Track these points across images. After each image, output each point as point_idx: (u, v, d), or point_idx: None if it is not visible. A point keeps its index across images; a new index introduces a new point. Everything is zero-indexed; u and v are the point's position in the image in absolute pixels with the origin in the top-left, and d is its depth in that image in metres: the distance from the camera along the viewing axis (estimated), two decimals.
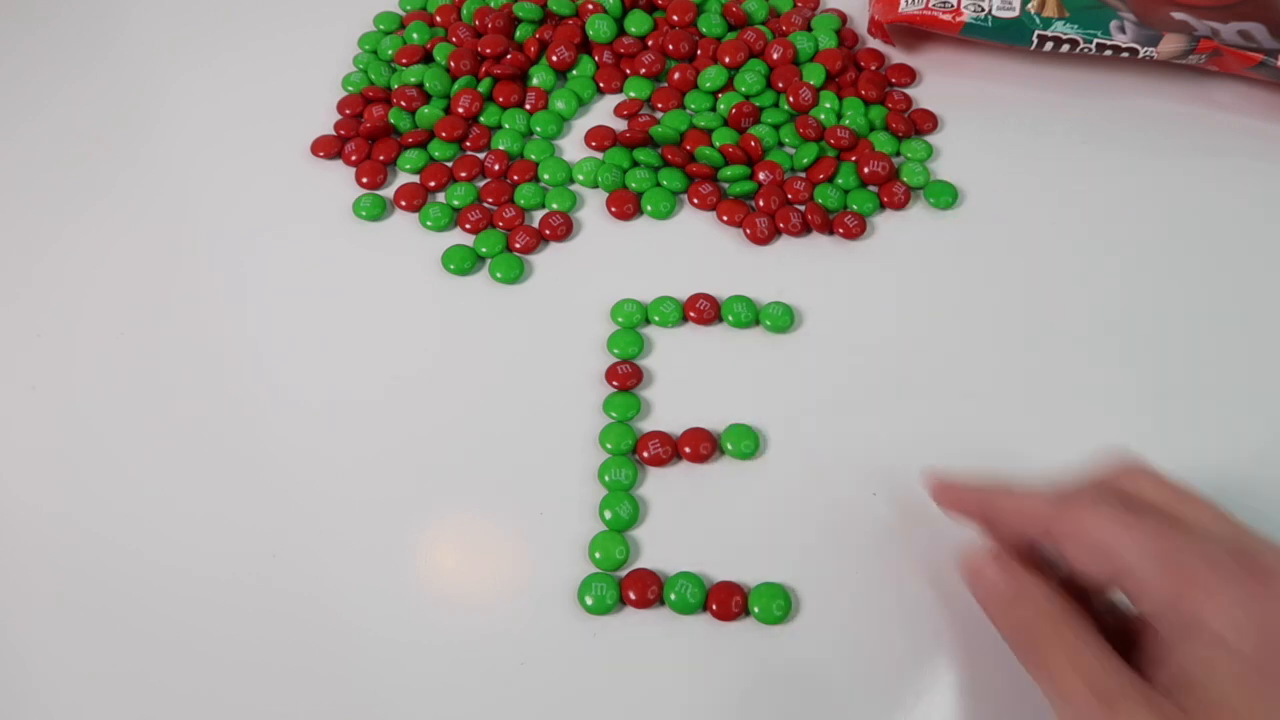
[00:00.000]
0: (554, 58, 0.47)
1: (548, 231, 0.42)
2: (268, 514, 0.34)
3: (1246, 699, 0.22)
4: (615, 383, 0.37)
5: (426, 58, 0.48)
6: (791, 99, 0.45)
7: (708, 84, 0.46)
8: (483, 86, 0.46)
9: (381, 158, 0.44)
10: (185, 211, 0.43)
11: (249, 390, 0.38)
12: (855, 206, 0.42)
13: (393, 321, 0.40)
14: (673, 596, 0.32)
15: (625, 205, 0.43)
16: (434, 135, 0.45)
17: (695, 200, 0.43)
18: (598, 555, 0.33)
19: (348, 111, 0.46)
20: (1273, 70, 0.44)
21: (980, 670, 0.31)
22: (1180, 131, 0.46)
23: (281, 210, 0.43)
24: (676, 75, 0.47)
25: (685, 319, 0.39)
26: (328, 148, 0.45)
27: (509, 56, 0.46)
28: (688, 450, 0.35)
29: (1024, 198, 0.43)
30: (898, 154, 0.45)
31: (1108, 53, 0.45)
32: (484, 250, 0.41)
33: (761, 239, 0.41)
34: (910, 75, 0.48)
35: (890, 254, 0.41)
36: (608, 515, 0.34)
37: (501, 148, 0.44)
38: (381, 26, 0.50)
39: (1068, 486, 0.28)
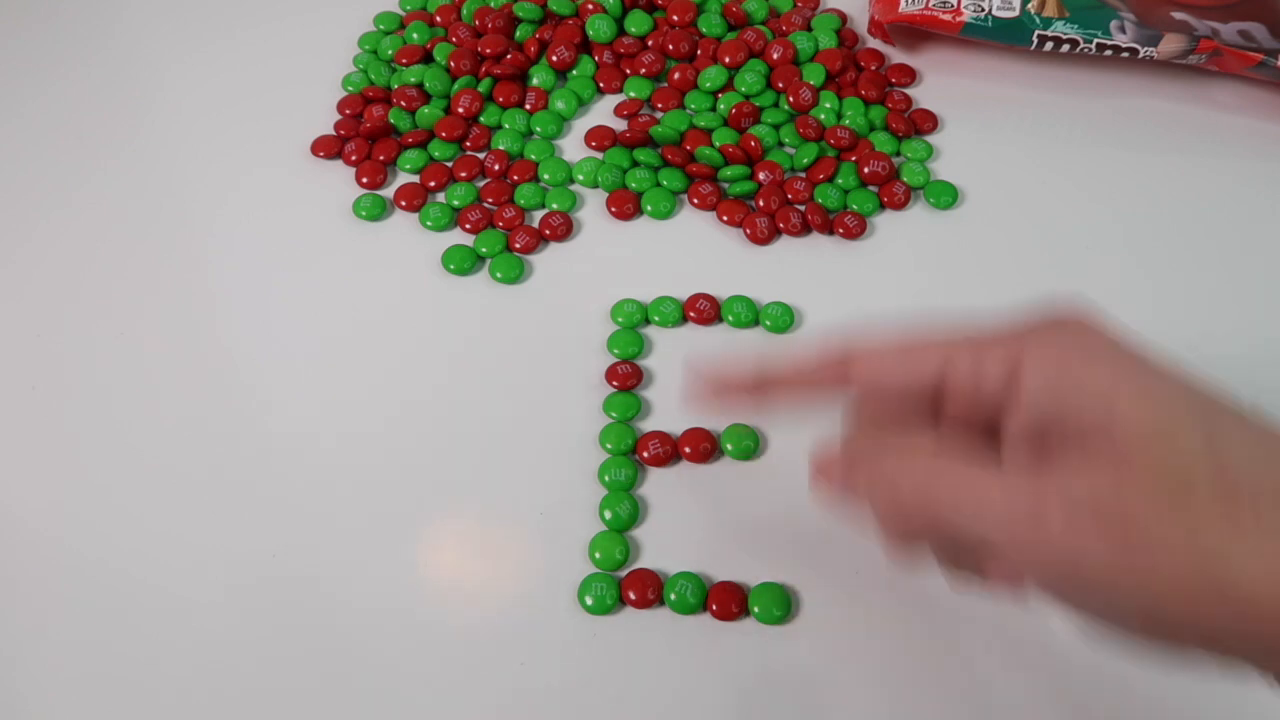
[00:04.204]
0: (554, 58, 0.47)
1: (548, 231, 0.42)
2: (268, 514, 0.34)
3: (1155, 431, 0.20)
4: (615, 383, 0.37)
5: (426, 58, 0.48)
6: (791, 99, 0.45)
7: (708, 84, 0.46)
8: (483, 86, 0.46)
9: (381, 158, 0.44)
10: (185, 212, 0.43)
11: (249, 389, 0.38)
12: (855, 206, 0.42)
13: (393, 321, 0.39)
14: (673, 596, 0.32)
15: (625, 205, 0.43)
16: (434, 135, 0.45)
17: (695, 200, 0.43)
18: (598, 555, 0.33)
19: (348, 111, 0.46)
20: (1273, 70, 0.44)
21: (980, 670, 0.31)
22: (1180, 131, 0.46)
23: (282, 210, 0.43)
24: (676, 75, 0.47)
25: (685, 319, 0.39)
26: (328, 148, 0.45)
27: (509, 56, 0.46)
28: (688, 450, 0.35)
29: (1024, 198, 0.43)
30: (898, 154, 0.45)
31: (1108, 53, 0.45)
32: (484, 250, 0.41)
33: (761, 239, 0.41)
34: (910, 75, 0.48)
35: (890, 254, 0.41)
36: (608, 515, 0.34)
37: (501, 148, 0.44)
38: (381, 26, 0.50)
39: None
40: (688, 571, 0.33)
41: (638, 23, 0.48)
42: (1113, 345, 0.22)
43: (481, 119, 0.46)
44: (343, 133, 0.46)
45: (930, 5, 0.46)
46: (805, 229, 0.42)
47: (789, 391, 0.27)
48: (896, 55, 0.49)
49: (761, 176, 0.43)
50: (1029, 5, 0.45)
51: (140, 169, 0.45)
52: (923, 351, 0.24)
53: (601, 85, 0.47)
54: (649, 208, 0.43)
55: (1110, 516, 0.20)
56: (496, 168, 0.44)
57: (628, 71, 0.48)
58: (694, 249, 0.42)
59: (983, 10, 0.46)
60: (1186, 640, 0.21)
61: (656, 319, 0.39)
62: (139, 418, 0.37)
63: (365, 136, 0.45)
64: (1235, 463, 0.20)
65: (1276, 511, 0.19)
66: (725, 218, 0.42)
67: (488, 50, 0.47)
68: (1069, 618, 0.23)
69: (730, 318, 0.39)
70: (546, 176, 0.44)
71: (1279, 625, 0.19)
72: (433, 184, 0.44)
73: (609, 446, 0.35)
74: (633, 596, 0.32)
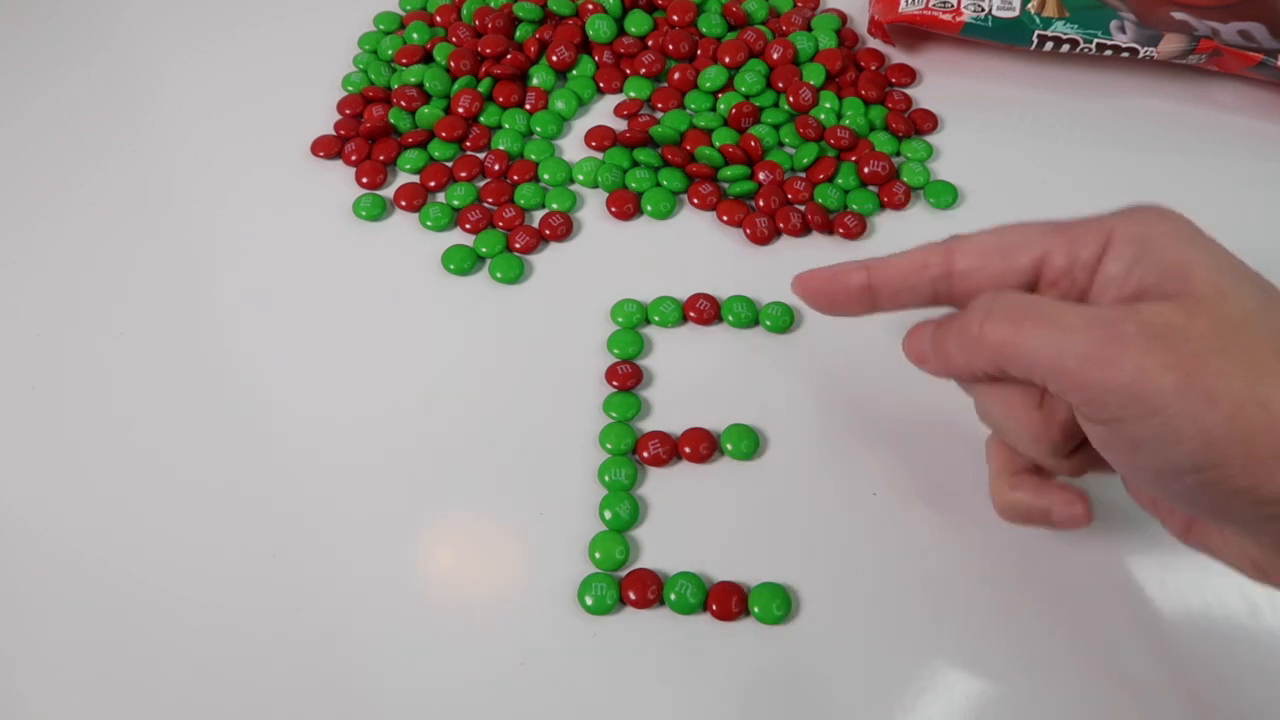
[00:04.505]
0: (554, 58, 0.47)
1: (548, 231, 0.42)
2: (267, 514, 0.34)
3: (1228, 278, 0.23)
4: (615, 383, 0.37)
5: (426, 58, 0.48)
6: (791, 99, 0.45)
7: (708, 84, 0.46)
8: (483, 86, 0.46)
9: (381, 158, 0.44)
10: (185, 212, 0.43)
11: (249, 389, 0.38)
12: (855, 206, 0.42)
13: (393, 322, 0.40)
14: (673, 596, 0.32)
15: (625, 205, 0.43)
16: (434, 135, 0.45)
17: (695, 200, 0.43)
18: (598, 555, 0.33)
19: (348, 111, 0.46)
20: (1273, 70, 0.44)
21: (980, 670, 0.31)
22: (1180, 131, 0.46)
23: (282, 210, 0.43)
24: (676, 75, 0.47)
25: (685, 319, 0.39)
26: (328, 148, 0.45)
27: (509, 56, 0.46)
28: (688, 450, 0.35)
29: (1024, 198, 0.43)
30: (898, 154, 0.45)
31: (1108, 53, 0.45)
32: (484, 250, 0.41)
33: (761, 239, 0.41)
34: (910, 75, 0.48)
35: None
36: (608, 515, 0.34)
37: (501, 148, 0.44)
38: (381, 26, 0.50)
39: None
40: (688, 571, 0.33)
41: (638, 23, 0.48)
42: (1192, 228, 0.25)
43: (481, 119, 0.46)
44: (343, 133, 0.46)
45: (930, 5, 0.46)
46: (805, 229, 0.42)
47: (896, 289, 0.28)
48: (896, 55, 0.49)
49: (761, 176, 0.43)
50: (1029, 5, 0.45)
51: (140, 169, 0.45)
52: (1021, 240, 0.26)
53: (601, 85, 0.47)
54: (649, 208, 0.43)
55: (1179, 341, 0.22)
56: (496, 168, 0.44)
57: (628, 71, 0.48)
58: (694, 249, 0.42)
59: (983, 10, 0.46)
60: (1227, 487, 0.22)
61: (656, 319, 0.39)
62: (139, 418, 0.37)
63: (365, 136, 0.45)
64: None
65: None
66: (725, 218, 0.42)
67: (488, 50, 0.47)
68: (1118, 465, 0.25)
69: (730, 318, 0.39)
70: (546, 176, 0.44)
71: None
72: (433, 184, 0.44)
73: (609, 446, 0.35)
74: (633, 596, 0.32)
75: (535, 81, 0.47)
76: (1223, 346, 0.22)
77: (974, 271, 0.26)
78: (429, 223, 0.42)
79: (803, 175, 0.44)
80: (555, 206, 0.43)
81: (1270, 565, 0.25)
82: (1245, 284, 0.23)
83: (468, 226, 0.42)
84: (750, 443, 0.35)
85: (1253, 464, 0.22)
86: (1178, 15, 0.45)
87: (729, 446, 0.35)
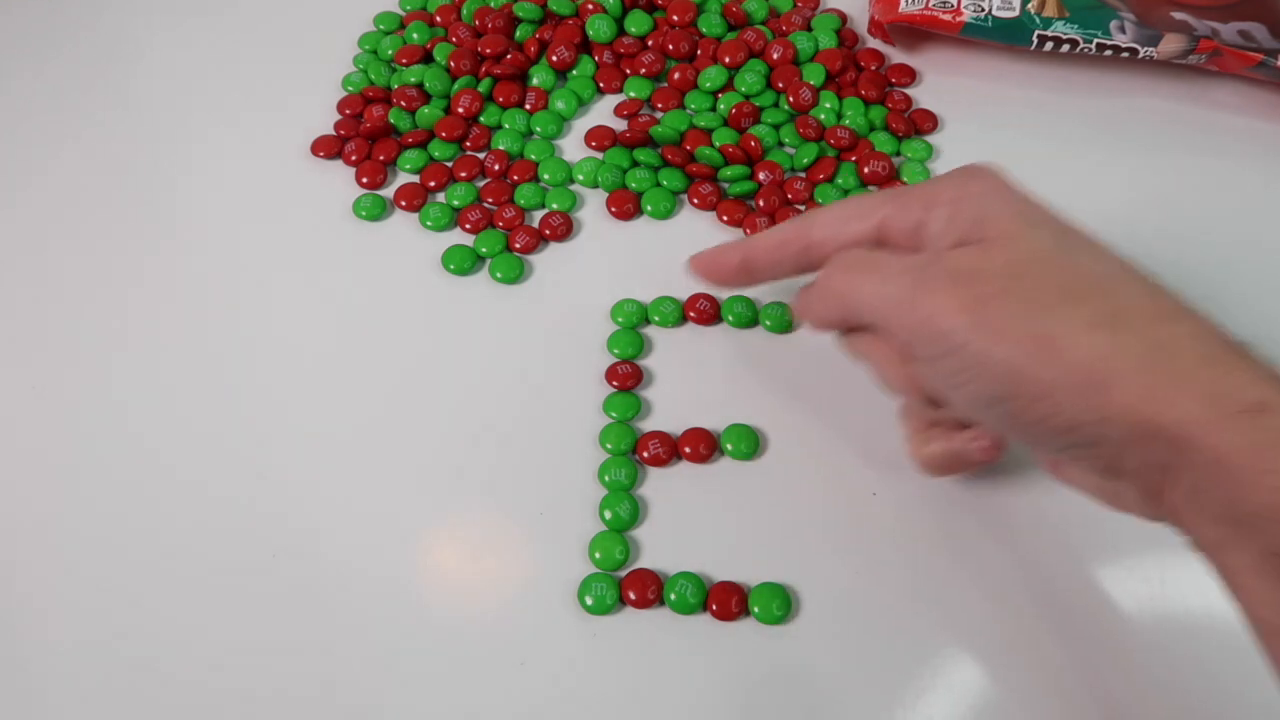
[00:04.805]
0: (554, 58, 0.47)
1: (548, 231, 0.42)
2: (268, 514, 0.34)
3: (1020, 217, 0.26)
4: (615, 383, 0.37)
5: (426, 58, 0.48)
6: (791, 99, 0.45)
7: (708, 84, 0.46)
8: (483, 86, 0.46)
9: (381, 158, 0.44)
10: (185, 211, 0.43)
11: (249, 390, 0.38)
12: None
13: (393, 322, 0.39)
14: (673, 596, 0.32)
15: (625, 205, 0.43)
16: (434, 135, 0.45)
17: (695, 200, 0.43)
18: (598, 555, 0.33)
19: (348, 111, 0.46)
20: (1273, 70, 0.44)
21: (980, 670, 0.31)
22: (1180, 131, 0.46)
23: (281, 210, 0.43)
24: (676, 75, 0.47)
25: (685, 319, 0.39)
26: (328, 148, 0.45)
27: (509, 56, 0.46)
28: (688, 450, 0.35)
29: None
30: (898, 154, 0.45)
31: (1108, 53, 0.45)
32: (484, 250, 0.41)
33: None
34: (910, 75, 0.48)
35: None
36: (608, 515, 0.34)
37: (501, 148, 0.44)
38: (381, 26, 0.50)
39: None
40: (688, 571, 0.33)
41: (638, 23, 0.48)
42: (1002, 183, 0.27)
43: (481, 119, 0.46)
44: (343, 133, 0.46)
45: (930, 5, 0.46)
46: None
47: (768, 263, 0.32)
48: (896, 55, 0.49)
49: (761, 176, 0.43)
50: (1029, 5, 0.45)
51: (140, 169, 0.45)
52: (863, 209, 0.29)
53: (601, 85, 0.47)
54: (649, 208, 0.43)
55: (974, 282, 0.25)
56: (496, 168, 0.44)
57: (628, 71, 0.48)
58: (694, 249, 0.42)
59: (983, 10, 0.46)
60: (1027, 418, 0.24)
61: (656, 319, 0.39)
62: (139, 418, 0.37)
63: (365, 136, 0.45)
64: (1075, 261, 0.25)
65: (1099, 299, 0.24)
66: (725, 218, 0.42)
67: (488, 50, 0.47)
68: (947, 403, 0.28)
69: (730, 317, 0.39)
70: (546, 176, 0.44)
71: (1101, 397, 0.23)
72: (433, 184, 0.44)
73: (609, 446, 0.35)
74: (633, 596, 0.32)
75: (535, 81, 0.47)
76: (1011, 286, 0.24)
77: (827, 240, 0.30)
78: (429, 223, 0.42)
79: (803, 175, 0.44)
80: (555, 206, 0.43)
81: (1114, 493, 0.27)
82: (1040, 228, 0.26)
83: (468, 226, 0.42)
84: (750, 443, 0.35)
85: (1041, 396, 0.24)
86: (1178, 15, 0.45)
87: (729, 446, 0.35)
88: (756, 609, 0.32)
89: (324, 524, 0.34)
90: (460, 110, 0.45)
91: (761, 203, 0.42)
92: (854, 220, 0.29)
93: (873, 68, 0.48)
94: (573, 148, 0.45)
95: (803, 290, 0.31)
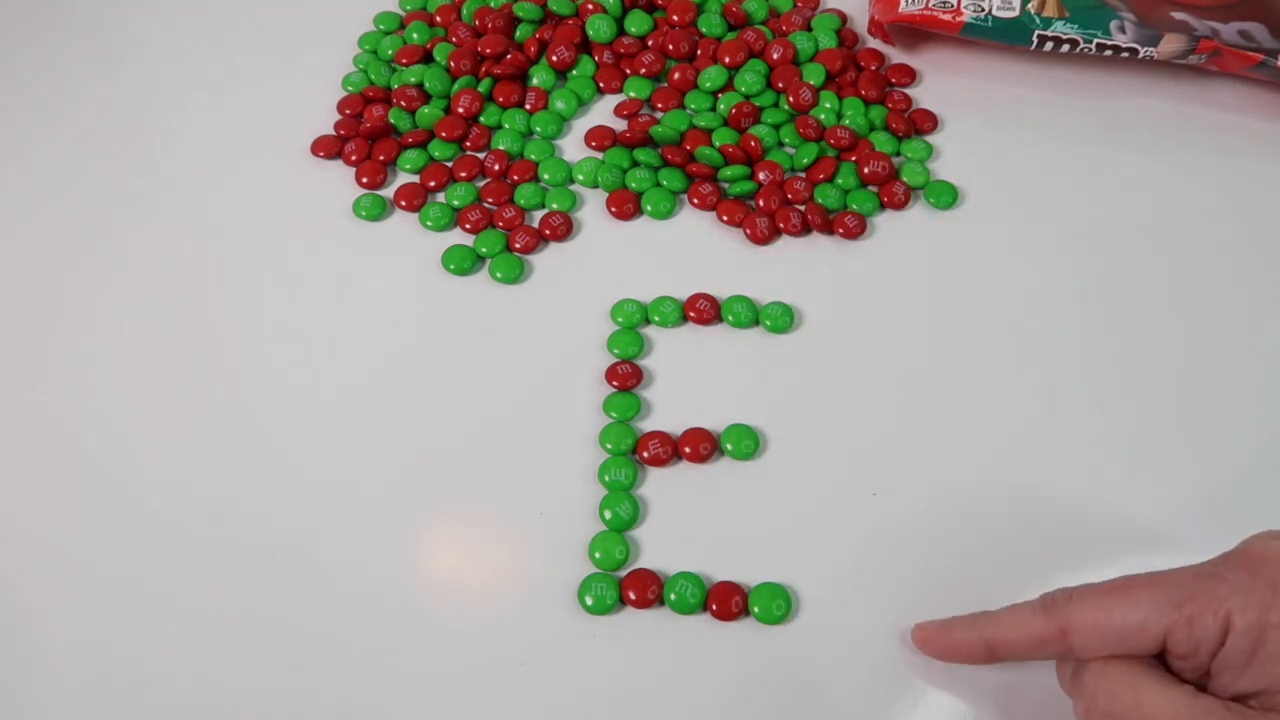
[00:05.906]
0: (554, 58, 0.47)
1: (548, 231, 0.42)
2: (268, 514, 0.34)
3: None
4: (615, 383, 0.37)
5: (426, 58, 0.48)
6: (791, 99, 0.45)
7: (708, 84, 0.46)
8: (483, 86, 0.46)
9: (381, 158, 0.44)
10: (185, 211, 0.43)
11: (249, 389, 0.38)
12: (855, 206, 0.42)
13: (393, 322, 0.39)
14: (673, 596, 0.32)
15: (625, 205, 0.43)
16: (434, 135, 0.45)
17: (695, 200, 0.43)
18: (598, 555, 0.33)
19: (348, 111, 0.46)
20: (1273, 70, 0.44)
21: (980, 671, 0.31)
22: (1180, 131, 0.46)
23: (282, 210, 0.43)
24: (676, 75, 0.47)
25: (685, 319, 0.39)
26: (328, 148, 0.45)
27: (509, 56, 0.46)
28: (688, 450, 0.35)
29: (1024, 198, 0.43)
30: (898, 154, 0.45)
31: (1108, 53, 0.45)
32: (484, 250, 0.41)
33: (761, 239, 0.41)
34: (910, 75, 0.48)
35: (890, 254, 0.41)
36: (608, 515, 0.34)
37: (501, 148, 0.44)
38: (381, 26, 0.50)
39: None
40: (688, 571, 0.33)
41: (638, 23, 0.48)
42: None
43: (481, 119, 0.46)
44: (343, 133, 0.46)
45: (930, 5, 0.46)
46: (805, 229, 0.42)
47: (1019, 656, 0.28)
48: (896, 55, 0.49)
49: (761, 176, 0.43)
50: (1029, 5, 0.45)
51: (140, 169, 0.45)
52: (1139, 621, 0.25)
53: (601, 85, 0.47)
54: (649, 208, 0.43)
55: None
56: (496, 168, 0.44)
57: (628, 71, 0.48)
58: (694, 249, 0.42)
59: (983, 10, 0.46)
60: None
61: (656, 319, 0.39)
62: (139, 418, 0.37)
63: (365, 136, 0.45)
64: None
65: None
66: (725, 218, 0.42)
67: (488, 50, 0.47)
68: None
69: (730, 317, 0.39)
70: (546, 176, 0.44)
71: None
72: (433, 184, 0.44)
73: (609, 446, 0.35)
74: (633, 596, 0.32)
75: (535, 81, 0.47)
76: None
77: (1093, 649, 0.26)
78: (429, 223, 0.42)
79: (803, 175, 0.44)
80: (555, 206, 0.43)
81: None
82: None
83: (468, 226, 0.42)
84: (750, 443, 0.35)
85: None
86: (1178, 15, 0.45)
87: (729, 446, 0.35)
88: (756, 609, 0.32)
89: (324, 524, 0.34)
90: (460, 110, 0.45)
91: (761, 203, 0.42)
92: (1130, 638, 0.25)
93: (873, 68, 0.48)
94: (573, 148, 0.45)
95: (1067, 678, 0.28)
